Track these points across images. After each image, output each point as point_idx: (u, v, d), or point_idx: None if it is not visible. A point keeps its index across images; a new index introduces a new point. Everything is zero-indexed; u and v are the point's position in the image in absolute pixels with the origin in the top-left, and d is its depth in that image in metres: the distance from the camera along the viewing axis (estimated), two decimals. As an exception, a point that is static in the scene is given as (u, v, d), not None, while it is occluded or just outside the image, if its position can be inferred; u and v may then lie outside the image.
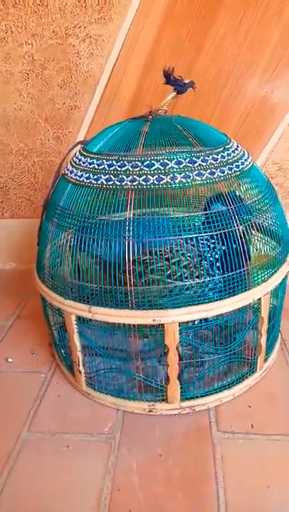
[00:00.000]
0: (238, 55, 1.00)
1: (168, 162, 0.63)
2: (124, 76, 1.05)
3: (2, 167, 1.18)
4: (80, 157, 0.71)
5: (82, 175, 0.67)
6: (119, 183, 0.63)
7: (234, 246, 0.64)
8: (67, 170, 0.72)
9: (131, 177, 0.62)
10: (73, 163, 0.71)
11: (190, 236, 0.63)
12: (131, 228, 0.61)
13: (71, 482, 0.63)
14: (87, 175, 0.66)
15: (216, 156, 0.66)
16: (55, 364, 0.86)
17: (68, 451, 0.67)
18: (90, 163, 0.67)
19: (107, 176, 0.64)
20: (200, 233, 0.64)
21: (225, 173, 0.65)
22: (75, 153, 0.74)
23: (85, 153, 0.70)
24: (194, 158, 0.64)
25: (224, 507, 0.58)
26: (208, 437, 0.68)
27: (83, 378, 0.75)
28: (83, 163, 0.68)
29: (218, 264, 0.70)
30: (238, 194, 0.66)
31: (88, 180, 0.65)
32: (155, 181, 0.62)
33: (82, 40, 1.03)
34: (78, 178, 0.67)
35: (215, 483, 0.61)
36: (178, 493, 0.61)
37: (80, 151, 0.72)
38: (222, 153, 0.67)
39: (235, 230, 0.64)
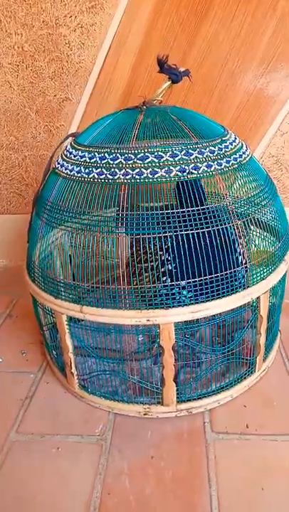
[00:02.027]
0: (232, 47, 0.97)
1: (163, 155, 0.60)
2: (116, 67, 1.02)
3: (-8, 162, 1.14)
4: (71, 150, 0.67)
5: (73, 168, 0.64)
6: (111, 177, 0.60)
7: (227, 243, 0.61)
8: (58, 163, 0.69)
9: (124, 170, 0.59)
10: (64, 157, 0.68)
11: (186, 232, 0.61)
12: (123, 224, 0.58)
13: (60, 485, 0.61)
14: (78, 168, 0.63)
15: (213, 149, 0.63)
16: (45, 364, 0.84)
17: (58, 453, 0.65)
18: (82, 157, 0.64)
19: (99, 170, 0.60)
20: (197, 229, 0.61)
21: (222, 166, 0.63)
22: (66, 146, 0.70)
23: (76, 146, 0.67)
24: (190, 151, 0.61)
25: (217, 510, 0.56)
26: (202, 438, 0.66)
27: (76, 380, 0.73)
28: (74, 156, 0.65)
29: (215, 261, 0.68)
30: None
31: (79, 174, 0.62)
32: (149, 175, 0.59)
33: (73, 30, 0.99)
34: (69, 172, 0.64)
35: (208, 485, 0.59)
36: (170, 496, 0.59)
37: (71, 144, 0.69)
38: (219, 146, 0.64)
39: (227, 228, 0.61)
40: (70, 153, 0.67)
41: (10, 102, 1.07)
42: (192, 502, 0.58)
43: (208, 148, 0.63)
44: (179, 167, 0.60)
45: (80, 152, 0.65)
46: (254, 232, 0.72)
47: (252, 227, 0.70)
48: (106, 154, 0.61)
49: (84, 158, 0.63)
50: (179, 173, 0.59)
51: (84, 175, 0.62)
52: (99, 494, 0.59)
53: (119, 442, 0.66)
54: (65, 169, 0.65)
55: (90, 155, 0.63)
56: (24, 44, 1.01)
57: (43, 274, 0.68)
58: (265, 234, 0.73)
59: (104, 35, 0.99)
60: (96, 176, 0.60)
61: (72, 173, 0.63)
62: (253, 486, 0.59)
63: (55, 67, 1.03)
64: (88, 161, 0.62)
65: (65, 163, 0.66)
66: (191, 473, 0.61)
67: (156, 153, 0.60)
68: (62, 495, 0.59)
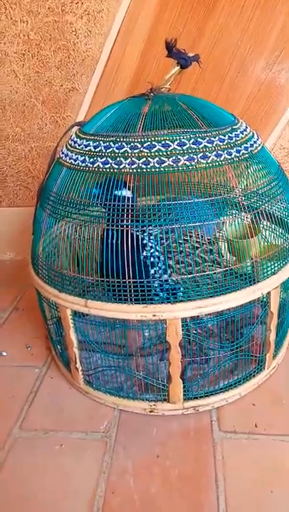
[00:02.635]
0: (243, 36, 0.94)
1: (170, 143, 0.57)
2: (124, 55, 0.99)
3: (-2, 153, 1.12)
4: (75, 139, 0.65)
5: (77, 158, 0.62)
6: (116, 167, 0.57)
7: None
8: (62, 153, 0.67)
9: (129, 159, 0.57)
10: (68, 146, 0.66)
11: (195, 224, 0.58)
12: (130, 216, 0.56)
13: (63, 483, 0.59)
14: (83, 158, 0.61)
15: (222, 137, 0.61)
16: (50, 358, 0.82)
17: (61, 450, 0.64)
18: (86, 146, 0.62)
19: (103, 159, 0.58)
20: (206, 222, 0.59)
21: (232, 156, 0.60)
22: (71, 136, 0.68)
23: (81, 135, 0.65)
24: (199, 139, 0.59)
25: (225, 510, 0.55)
26: (209, 437, 0.64)
27: (81, 376, 0.71)
28: (79, 145, 0.63)
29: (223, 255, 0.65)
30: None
31: (84, 164, 0.60)
32: (156, 164, 0.56)
33: (79, 17, 0.97)
34: (73, 162, 0.62)
35: (215, 485, 0.58)
36: (176, 496, 0.57)
37: (76, 133, 0.67)
38: (229, 134, 0.62)
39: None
40: (75, 142, 0.65)
41: (16, 93, 1.05)
42: (199, 504, 0.56)
43: (217, 137, 0.60)
44: (187, 156, 0.57)
45: (84, 141, 0.62)
46: (264, 226, 0.70)
47: (263, 220, 0.67)
48: (111, 143, 0.59)
49: (89, 147, 0.61)
50: (187, 163, 0.57)
51: (88, 164, 0.60)
52: (103, 493, 0.58)
53: (124, 439, 0.65)
54: (70, 159, 0.63)
55: (94, 144, 0.60)
56: (30, 32, 0.99)
57: (48, 267, 0.67)
58: (275, 227, 0.70)
59: (112, 22, 0.97)
60: (101, 166, 0.58)
61: (76, 163, 0.61)
62: (262, 486, 0.57)
63: (61, 56, 1.01)
64: (93, 150, 0.60)
65: (69, 152, 0.64)
66: (198, 472, 0.60)
67: (163, 142, 0.57)
68: (65, 493, 0.58)
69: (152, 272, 0.62)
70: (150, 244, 0.64)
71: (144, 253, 0.62)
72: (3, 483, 0.60)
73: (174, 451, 0.63)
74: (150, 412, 0.67)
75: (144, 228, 0.59)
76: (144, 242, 0.63)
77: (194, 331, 0.64)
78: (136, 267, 0.56)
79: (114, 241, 0.57)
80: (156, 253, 0.63)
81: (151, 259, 0.63)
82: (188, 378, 0.68)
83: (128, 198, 0.57)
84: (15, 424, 0.69)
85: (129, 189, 0.58)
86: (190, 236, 0.66)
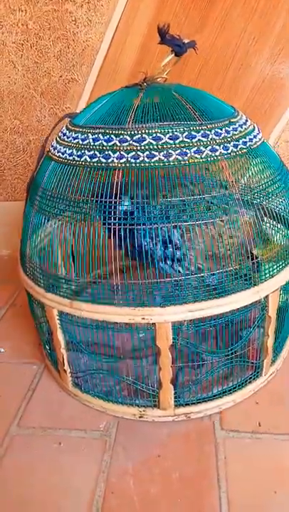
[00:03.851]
0: (247, 26, 0.90)
1: (162, 136, 0.54)
2: (125, 45, 0.96)
3: (-4, 146, 1.10)
4: (65, 131, 0.62)
5: (65, 151, 0.59)
6: (104, 161, 0.54)
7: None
8: (52, 147, 0.64)
9: (118, 153, 0.54)
10: (58, 139, 0.63)
11: (188, 223, 0.55)
12: (116, 214, 0.53)
13: (61, 483, 0.58)
14: (70, 151, 0.58)
15: (219, 131, 0.57)
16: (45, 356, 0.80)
17: (60, 449, 0.62)
18: (75, 138, 0.58)
19: (91, 152, 0.55)
20: (202, 220, 0.55)
21: (229, 151, 0.56)
22: (62, 128, 0.65)
23: (70, 128, 0.62)
24: (193, 133, 0.55)
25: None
26: (211, 436, 0.62)
27: (69, 378, 0.68)
28: (68, 138, 0.60)
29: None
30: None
31: (71, 157, 0.57)
32: (146, 158, 0.53)
33: (79, 6, 0.94)
34: (61, 155, 0.59)
35: (217, 487, 0.56)
36: (177, 497, 0.55)
37: (66, 126, 0.64)
38: (226, 128, 0.58)
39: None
40: (64, 134, 0.62)
41: (14, 84, 1.03)
42: (200, 505, 0.54)
43: (213, 131, 0.56)
44: (179, 150, 0.54)
45: (73, 133, 0.59)
46: (265, 224, 0.66)
47: (264, 218, 0.64)
48: (100, 135, 0.56)
49: (77, 140, 0.58)
50: (180, 157, 0.53)
51: (76, 158, 0.57)
52: (102, 493, 0.56)
53: (124, 439, 0.63)
54: (58, 152, 0.60)
55: (82, 136, 0.57)
56: (28, 21, 0.96)
57: (35, 266, 0.64)
58: (277, 225, 0.67)
59: (113, 12, 0.93)
60: (88, 159, 0.55)
61: (64, 157, 0.58)
62: (265, 487, 0.55)
63: (60, 46, 0.98)
64: (81, 143, 0.57)
65: (58, 145, 0.61)
66: (200, 474, 0.58)
67: (154, 135, 0.54)
68: (64, 492, 0.57)
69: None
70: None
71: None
72: (2, 481, 0.58)
73: (176, 451, 0.61)
74: (140, 417, 0.65)
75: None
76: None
77: (186, 336, 0.61)
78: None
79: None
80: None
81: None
82: (180, 384, 0.65)
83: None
84: (12, 421, 0.67)
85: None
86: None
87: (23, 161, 1.12)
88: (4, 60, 1.00)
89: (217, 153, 0.56)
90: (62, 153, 0.59)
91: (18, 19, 0.96)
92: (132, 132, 0.54)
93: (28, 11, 0.95)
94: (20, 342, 0.85)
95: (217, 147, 0.56)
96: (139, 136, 0.54)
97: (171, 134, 0.54)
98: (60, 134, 0.64)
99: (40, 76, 1.01)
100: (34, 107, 1.05)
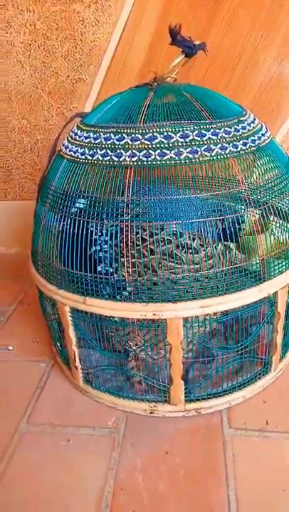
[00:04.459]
0: (254, 25, 0.90)
1: (172, 135, 0.55)
2: (132, 45, 0.97)
3: (4, 145, 1.11)
4: (76, 131, 0.63)
5: (77, 150, 0.59)
6: (116, 159, 0.55)
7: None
8: (63, 146, 0.65)
9: (130, 152, 0.54)
10: (69, 138, 0.64)
11: (199, 220, 0.56)
12: (129, 211, 0.54)
13: (71, 479, 0.58)
14: (82, 150, 0.59)
15: (228, 129, 0.58)
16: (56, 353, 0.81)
17: (69, 446, 0.63)
18: (86, 137, 0.59)
19: (103, 151, 0.56)
20: (208, 218, 0.56)
21: (238, 149, 0.57)
22: (72, 127, 0.66)
23: (82, 127, 0.63)
24: (203, 131, 0.56)
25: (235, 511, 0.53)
26: (220, 434, 0.63)
27: (80, 374, 0.69)
28: (79, 137, 0.61)
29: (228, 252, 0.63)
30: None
31: (83, 156, 0.58)
32: (157, 157, 0.54)
33: (87, 6, 0.94)
34: (73, 154, 0.60)
35: (226, 485, 0.56)
36: (185, 494, 0.55)
37: (77, 125, 0.65)
38: (236, 126, 0.59)
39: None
40: (76, 134, 0.62)
41: (22, 84, 1.04)
42: (208, 502, 0.54)
43: (223, 129, 0.57)
44: (190, 149, 0.54)
45: (85, 133, 0.60)
46: (273, 222, 0.67)
47: (271, 216, 0.64)
48: (112, 134, 0.56)
49: (88, 139, 0.58)
50: (190, 155, 0.54)
51: (88, 157, 0.57)
52: (111, 490, 0.56)
53: (133, 436, 0.63)
54: (69, 151, 0.61)
55: (94, 135, 0.58)
56: (36, 22, 0.97)
57: (46, 263, 0.65)
58: (285, 224, 0.67)
59: (120, 12, 0.94)
60: (100, 158, 0.56)
61: (76, 155, 0.59)
62: (274, 485, 0.56)
63: (68, 46, 0.99)
64: (93, 141, 0.58)
65: (69, 144, 0.62)
66: (208, 471, 0.58)
67: (165, 134, 0.55)
68: (73, 489, 0.57)
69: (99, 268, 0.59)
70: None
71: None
72: (11, 478, 0.59)
73: (184, 448, 0.61)
74: (150, 413, 0.66)
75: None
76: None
77: (196, 331, 0.62)
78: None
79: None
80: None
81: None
82: (191, 380, 0.66)
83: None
84: (22, 419, 0.68)
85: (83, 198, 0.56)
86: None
87: (31, 161, 1.12)
88: (12, 60, 1.01)
89: (227, 152, 0.56)
90: (74, 152, 0.60)
91: (26, 19, 0.97)
92: (144, 131, 0.55)
93: (36, 11, 0.96)
94: (29, 340, 0.86)
95: (227, 145, 0.57)
96: (151, 134, 0.55)
97: (181, 133, 0.55)
98: (71, 133, 0.64)
99: (48, 76, 1.02)
100: (42, 106, 1.06)
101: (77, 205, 0.56)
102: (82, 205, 0.56)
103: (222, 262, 0.62)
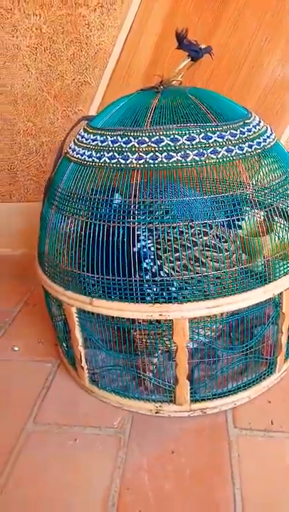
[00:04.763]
0: (260, 25, 0.91)
1: (179, 138, 0.55)
2: (137, 48, 0.98)
3: (10, 147, 1.12)
4: (83, 134, 0.64)
5: (84, 153, 0.60)
6: (123, 162, 0.56)
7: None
8: (70, 148, 0.65)
9: (137, 154, 0.55)
10: (76, 141, 0.65)
11: (205, 222, 0.56)
12: (137, 213, 0.55)
13: (77, 479, 0.59)
14: (90, 153, 0.59)
15: (234, 132, 0.58)
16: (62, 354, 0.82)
17: (75, 446, 0.63)
18: (93, 140, 0.60)
19: (110, 154, 0.57)
20: (214, 219, 0.57)
21: (244, 151, 0.58)
22: (79, 130, 0.67)
23: (88, 130, 0.63)
24: (209, 134, 0.56)
25: (241, 510, 0.53)
26: (225, 434, 0.63)
27: (86, 374, 0.70)
28: (86, 140, 0.62)
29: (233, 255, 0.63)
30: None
31: (90, 159, 0.59)
32: (164, 159, 0.54)
33: (92, 10, 0.95)
34: (80, 157, 0.61)
35: (231, 484, 0.57)
36: (191, 493, 0.56)
37: (83, 128, 0.66)
38: (241, 129, 0.60)
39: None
40: (82, 137, 0.63)
41: (28, 87, 1.05)
42: (214, 502, 0.55)
43: (229, 132, 0.58)
44: (196, 151, 0.55)
45: (92, 136, 0.61)
46: (278, 223, 0.67)
47: (275, 217, 0.65)
48: (118, 137, 0.57)
49: (96, 142, 0.59)
50: (197, 158, 0.55)
51: (95, 159, 0.58)
52: (117, 489, 0.57)
53: (138, 436, 0.64)
54: (76, 154, 0.62)
55: (101, 138, 0.59)
56: (42, 25, 0.98)
57: (53, 264, 0.66)
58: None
59: (125, 15, 0.95)
60: (107, 161, 0.57)
61: (83, 158, 0.60)
62: (279, 484, 0.56)
63: (73, 50, 1.00)
64: (100, 144, 0.58)
65: (76, 147, 0.63)
66: (214, 471, 0.58)
67: (172, 136, 0.55)
68: (80, 489, 0.58)
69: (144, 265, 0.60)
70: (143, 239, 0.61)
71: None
72: (18, 477, 0.60)
73: (189, 448, 0.62)
74: (156, 413, 0.66)
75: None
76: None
77: (202, 331, 0.62)
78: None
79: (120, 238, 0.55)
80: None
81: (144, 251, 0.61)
82: (196, 380, 0.66)
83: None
84: (28, 418, 0.68)
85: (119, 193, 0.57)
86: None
87: (36, 163, 1.13)
88: (18, 64, 1.02)
89: (233, 154, 0.57)
90: (82, 155, 0.60)
91: (33, 23, 0.98)
92: (150, 134, 0.56)
93: (43, 15, 0.97)
94: (34, 340, 0.86)
95: (232, 148, 0.57)
96: (157, 137, 0.55)
97: (188, 136, 0.56)
98: (78, 136, 0.65)
99: (54, 79, 1.03)
100: (47, 109, 1.07)
101: (115, 201, 0.56)
102: (118, 201, 0.56)
103: (234, 263, 0.63)
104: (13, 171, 1.15)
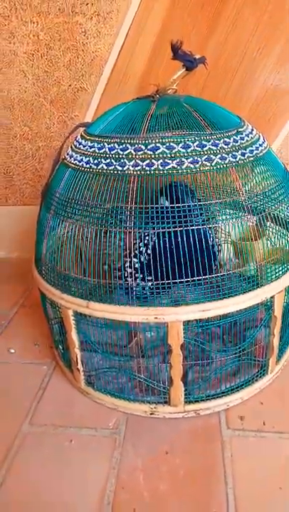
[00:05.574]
0: (252, 36, 0.93)
1: (174, 145, 0.57)
2: (133, 56, 0.99)
3: (6, 152, 1.13)
4: (80, 140, 0.65)
5: (81, 159, 0.62)
6: (120, 168, 0.57)
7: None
8: (67, 154, 0.67)
9: (133, 161, 0.57)
10: (73, 147, 0.66)
11: (197, 227, 0.58)
12: (132, 218, 0.56)
13: (73, 479, 0.60)
14: (87, 159, 0.61)
15: (227, 140, 0.60)
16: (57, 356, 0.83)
17: (71, 446, 0.64)
18: (91, 147, 0.62)
19: (108, 161, 0.58)
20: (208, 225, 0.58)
21: (237, 159, 0.60)
22: (76, 137, 0.68)
23: (86, 136, 0.65)
24: (204, 142, 0.58)
25: (234, 509, 0.55)
26: (218, 435, 0.64)
27: (82, 376, 0.71)
28: (83, 146, 0.63)
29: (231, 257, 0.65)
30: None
31: (88, 165, 0.60)
32: (160, 166, 0.56)
33: (89, 18, 0.97)
34: (78, 163, 0.62)
35: (224, 484, 0.58)
36: (185, 493, 0.57)
37: (81, 134, 0.67)
38: (234, 137, 0.61)
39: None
40: (80, 143, 0.65)
41: (24, 92, 1.06)
42: (207, 501, 0.56)
43: (222, 140, 0.60)
44: (191, 159, 0.57)
45: (89, 142, 0.62)
46: (270, 229, 0.69)
47: (268, 223, 0.67)
48: (116, 144, 0.59)
49: (93, 149, 0.61)
50: (191, 165, 0.57)
51: (93, 166, 0.60)
52: (113, 489, 0.58)
53: (133, 437, 0.65)
54: (74, 160, 0.63)
55: (99, 145, 0.60)
56: (40, 32, 0.99)
57: (50, 267, 0.67)
58: (281, 230, 0.70)
59: (122, 23, 0.97)
60: (105, 167, 0.58)
61: (80, 164, 0.61)
62: (271, 483, 0.58)
63: (70, 56, 1.01)
64: (97, 151, 0.60)
65: (74, 153, 0.64)
66: (207, 470, 0.60)
67: (167, 144, 0.57)
68: (76, 489, 0.58)
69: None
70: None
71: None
72: (14, 478, 0.60)
73: (183, 448, 0.63)
74: (151, 414, 0.67)
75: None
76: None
77: (196, 334, 0.64)
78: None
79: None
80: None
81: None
82: (190, 381, 0.68)
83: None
84: (24, 419, 0.69)
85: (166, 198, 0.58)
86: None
87: (32, 167, 1.15)
88: (15, 70, 1.04)
89: (226, 162, 0.59)
90: (79, 161, 0.62)
91: (30, 30, 0.99)
92: (147, 141, 0.57)
93: (40, 22, 0.98)
94: (30, 342, 0.87)
95: (226, 155, 0.59)
96: (153, 145, 0.57)
97: (183, 143, 0.57)
98: (75, 142, 0.67)
99: (50, 85, 1.04)
100: (43, 114, 1.08)
101: (165, 203, 0.58)
102: (166, 203, 0.58)
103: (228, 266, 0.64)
104: (9, 174, 1.16)
